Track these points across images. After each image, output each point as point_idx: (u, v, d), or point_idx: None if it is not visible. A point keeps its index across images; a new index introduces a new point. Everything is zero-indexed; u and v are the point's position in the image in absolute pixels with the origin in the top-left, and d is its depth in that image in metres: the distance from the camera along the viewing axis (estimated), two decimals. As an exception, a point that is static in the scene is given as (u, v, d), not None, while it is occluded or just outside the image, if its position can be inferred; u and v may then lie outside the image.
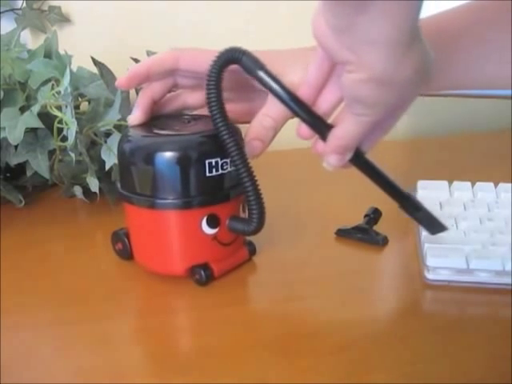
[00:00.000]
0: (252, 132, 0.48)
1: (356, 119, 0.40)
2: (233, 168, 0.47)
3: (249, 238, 0.52)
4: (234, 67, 0.44)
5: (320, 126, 0.43)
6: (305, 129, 0.44)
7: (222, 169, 0.47)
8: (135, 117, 0.50)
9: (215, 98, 0.44)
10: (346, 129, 0.41)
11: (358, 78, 0.37)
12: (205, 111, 0.53)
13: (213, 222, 0.48)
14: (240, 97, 0.51)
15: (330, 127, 0.43)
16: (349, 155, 0.43)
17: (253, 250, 0.53)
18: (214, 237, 0.48)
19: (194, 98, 0.53)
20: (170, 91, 0.52)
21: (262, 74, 0.43)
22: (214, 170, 0.46)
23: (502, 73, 0.50)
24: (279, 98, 0.43)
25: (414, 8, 0.34)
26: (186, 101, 0.53)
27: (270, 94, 0.46)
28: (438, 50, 0.39)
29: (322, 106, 0.44)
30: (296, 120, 0.45)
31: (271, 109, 0.48)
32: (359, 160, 0.44)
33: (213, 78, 0.44)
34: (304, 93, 0.44)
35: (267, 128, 0.48)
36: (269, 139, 0.48)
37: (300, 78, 0.45)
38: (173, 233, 0.48)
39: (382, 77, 0.37)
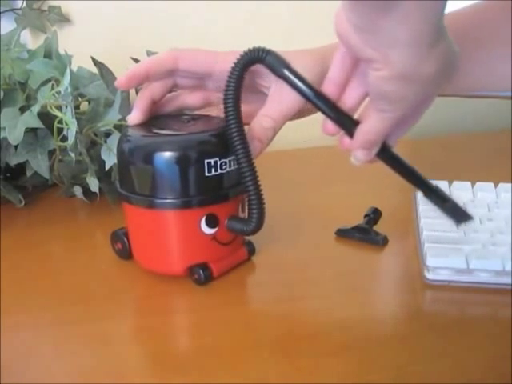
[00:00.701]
0: (252, 132, 0.48)
1: (381, 115, 0.41)
2: (236, 167, 0.47)
3: (248, 238, 0.52)
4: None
5: (346, 122, 0.44)
6: (331, 125, 0.44)
7: (221, 169, 0.47)
8: (134, 117, 0.50)
9: (232, 96, 0.44)
10: (372, 124, 0.42)
11: (383, 75, 0.38)
12: (204, 111, 0.53)
13: (212, 221, 0.48)
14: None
15: (356, 123, 0.43)
16: (375, 150, 0.43)
17: (252, 250, 0.53)
18: (213, 237, 0.48)
19: (193, 99, 0.53)
20: (169, 91, 0.52)
21: (287, 72, 0.43)
22: (213, 169, 0.46)
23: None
24: (305, 96, 0.43)
25: (438, 8, 0.35)
26: (185, 101, 0.53)
27: (269, 95, 0.46)
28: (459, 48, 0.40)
29: (346, 103, 0.44)
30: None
31: (270, 109, 0.48)
32: (386, 154, 0.44)
33: (234, 76, 0.44)
34: (328, 90, 0.44)
35: (266, 128, 0.48)
36: (268, 139, 0.48)
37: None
38: (172, 232, 0.48)
39: (406, 74, 0.37)
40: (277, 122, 0.48)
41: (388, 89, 0.38)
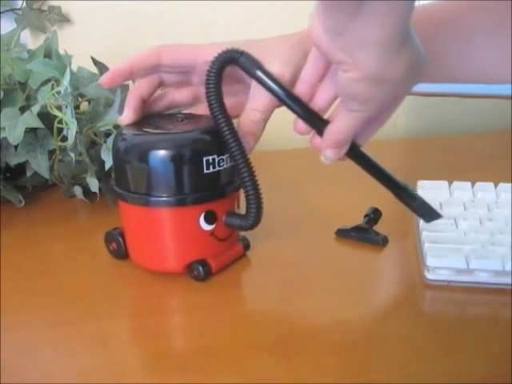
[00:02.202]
0: (243, 128, 0.49)
1: (351, 115, 0.42)
2: (232, 163, 0.47)
3: (243, 234, 0.53)
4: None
5: (317, 122, 0.45)
6: (302, 124, 0.45)
7: (219, 165, 0.47)
8: (125, 116, 0.50)
9: (215, 97, 0.45)
10: (341, 124, 0.43)
11: (352, 76, 0.39)
12: (194, 109, 0.54)
13: (210, 218, 0.48)
14: (226, 91, 0.51)
15: (326, 123, 0.44)
16: (345, 149, 0.44)
17: (247, 246, 0.53)
18: (212, 233, 0.49)
19: (181, 95, 0.54)
20: (157, 89, 0.52)
21: (260, 73, 0.44)
22: (211, 166, 0.47)
23: (493, 63, 0.50)
24: (277, 96, 0.44)
25: (405, 10, 0.35)
26: (173, 98, 0.54)
27: (252, 87, 0.47)
28: (425, 40, 0.40)
29: (318, 103, 0.45)
30: (292, 119, 0.45)
31: (257, 102, 0.49)
32: (355, 153, 0.45)
33: (212, 77, 0.45)
34: (300, 90, 0.45)
35: (257, 121, 0.49)
36: (260, 132, 0.49)
37: (279, 68, 0.47)
38: (171, 230, 0.48)
39: (375, 76, 0.38)
40: (265, 114, 0.49)
41: (357, 90, 0.39)
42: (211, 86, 0.45)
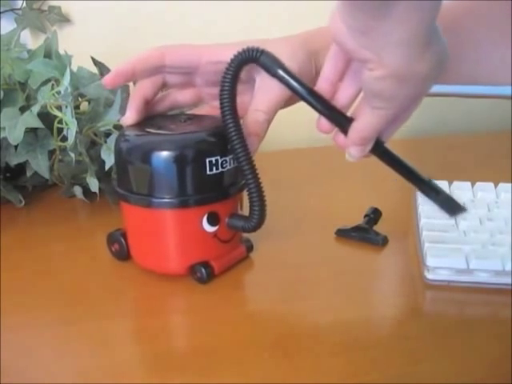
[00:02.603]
0: (248, 128, 0.48)
1: (376, 112, 0.42)
2: (235, 165, 0.47)
3: (246, 235, 0.52)
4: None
5: (340, 120, 0.44)
6: (325, 123, 0.45)
7: (222, 167, 0.47)
8: (128, 117, 0.50)
9: (228, 96, 0.44)
10: (366, 122, 0.43)
11: (377, 75, 0.38)
12: (197, 110, 0.53)
13: (213, 219, 0.48)
14: None
15: (350, 120, 0.44)
16: (369, 146, 0.44)
17: (250, 247, 0.53)
18: (215, 234, 0.49)
19: (184, 96, 0.53)
20: (160, 90, 0.52)
21: (281, 72, 0.44)
22: (214, 168, 0.47)
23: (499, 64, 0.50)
24: (300, 95, 0.44)
25: (432, 10, 0.35)
26: (176, 99, 0.54)
27: (256, 88, 0.46)
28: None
29: (340, 100, 0.45)
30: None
31: (261, 102, 0.49)
32: (379, 149, 0.45)
33: (229, 75, 0.44)
34: (322, 88, 0.44)
35: (261, 122, 0.49)
36: (264, 132, 0.49)
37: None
38: (173, 232, 0.48)
39: (400, 74, 0.38)
40: (269, 114, 0.49)
41: (382, 88, 0.39)
42: (226, 84, 0.44)
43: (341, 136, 0.44)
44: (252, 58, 0.44)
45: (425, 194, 0.47)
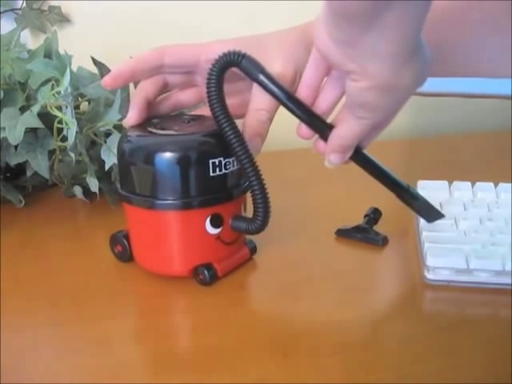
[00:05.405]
0: (250, 129, 0.48)
1: (358, 121, 0.42)
2: (238, 166, 0.47)
3: (249, 237, 0.52)
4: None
5: (321, 127, 0.44)
6: (305, 129, 0.45)
7: (225, 168, 0.47)
8: (130, 117, 0.50)
9: (216, 100, 0.44)
10: (347, 129, 0.43)
11: (362, 86, 0.39)
12: (200, 110, 0.53)
13: (216, 221, 0.48)
14: (229, 91, 0.51)
15: (330, 127, 0.44)
16: (349, 153, 0.45)
17: (253, 249, 0.53)
18: (218, 236, 0.48)
19: (186, 96, 0.53)
20: (162, 90, 0.52)
21: (262, 77, 0.44)
22: (217, 169, 0.46)
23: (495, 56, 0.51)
24: (280, 101, 0.44)
25: (418, 22, 0.36)
26: (178, 99, 0.53)
27: (254, 86, 0.46)
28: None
29: (320, 106, 0.45)
30: (295, 120, 0.45)
31: (262, 102, 0.48)
32: (359, 156, 0.46)
33: (213, 80, 0.44)
34: (303, 94, 0.45)
35: (263, 121, 0.48)
36: (266, 132, 0.49)
37: (281, 67, 0.47)
38: (176, 233, 0.48)
39: (384, 85, 0.38)
40: (271, 113, 0.49)
41: (366, 98, 0.40)
42: (212, 89, 0.44)
43: (321, 142, 0.45)
44: (233, 62, 0.43)
45: (403, 200, 0.48)
